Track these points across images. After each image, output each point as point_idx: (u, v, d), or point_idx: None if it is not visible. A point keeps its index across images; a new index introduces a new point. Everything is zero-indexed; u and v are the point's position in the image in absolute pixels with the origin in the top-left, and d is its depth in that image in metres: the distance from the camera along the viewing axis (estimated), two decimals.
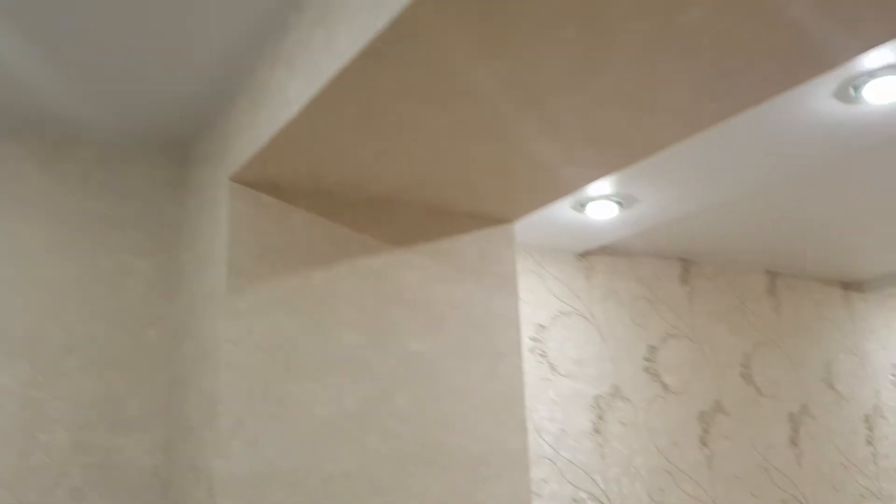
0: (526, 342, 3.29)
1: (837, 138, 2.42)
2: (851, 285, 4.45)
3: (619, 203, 2.85)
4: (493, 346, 2.23)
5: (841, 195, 3.15)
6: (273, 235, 2.08)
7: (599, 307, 3.50)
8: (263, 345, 1.99)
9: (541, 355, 3.30)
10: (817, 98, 2.16)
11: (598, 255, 3.57)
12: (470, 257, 2.33)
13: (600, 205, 2.86)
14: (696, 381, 3.65)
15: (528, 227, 3.09)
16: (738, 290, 3.97)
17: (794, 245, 3.79)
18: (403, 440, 2.08)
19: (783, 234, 3.62)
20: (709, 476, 3.54)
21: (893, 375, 4.41)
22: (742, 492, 3.61)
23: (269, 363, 1.99)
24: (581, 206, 2.89)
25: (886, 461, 4.17)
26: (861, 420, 4.17)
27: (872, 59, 1.97)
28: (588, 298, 3.48)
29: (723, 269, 3.95)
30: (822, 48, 1.57)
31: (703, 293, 3.83)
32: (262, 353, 1.99)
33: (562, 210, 2.95)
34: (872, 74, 2.05)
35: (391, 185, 2.16)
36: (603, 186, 2.72)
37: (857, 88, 2.10)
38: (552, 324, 3.37)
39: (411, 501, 2.04)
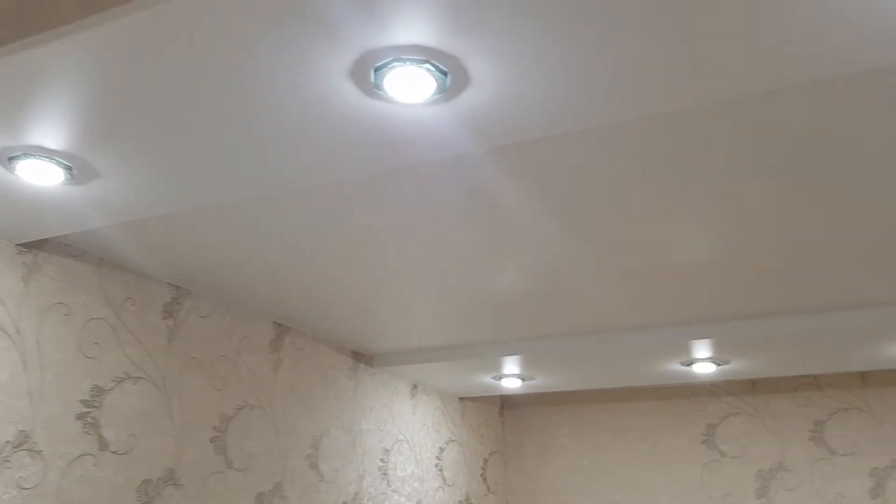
0: None
1: (353, 148, 1.91)
2: (362, 357, 4.12)
3: (68, 169, 2.01)
4: None
5: (359, 242, 2.71)
6: None
7: (33, 322, 2.54)
8: None
9: None
10: (329, 73, 1.61)
11: (51, 251, 2.64)
12: None
13: (37, 164, 1.98)
14: (149, 440, 2.86)
15: None
16: (236, 338, 3.33)
17: (306, 298, 3.29)
18: None
19: (296, 280, 3.09)
20: None
21: (382, 461, 4.12)
22: None
23: None
24: (8, 159, 1.98)
25: None
26: None
27: (400, 32, 1.48)
28: (18, 307, 2.51)
29: (224, 308, 3.28)
30: None
31: (190, 332, 3.11)
32: None
33: None
34: (401, 58, 1.56)
35: None
36: (30, 135, 1.86)
37: (378, 73, 1.60)
38: None
39: None
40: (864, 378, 4.29)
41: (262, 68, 1.57)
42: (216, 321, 3.24)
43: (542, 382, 4.52)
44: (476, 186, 2.25)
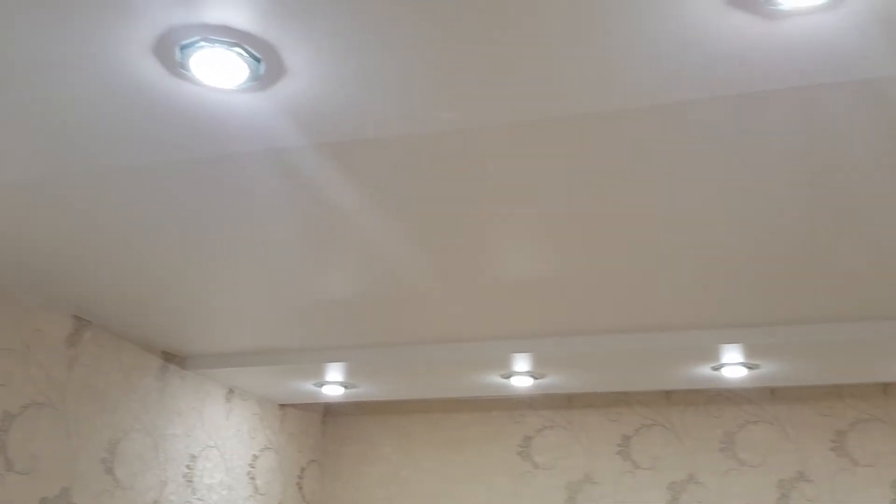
0: None
1: (158, 130, 1.76)
2: (174, 358, 3.88)
3: None
4: None
5: (173, 233, 2.53)
6: None
7: None
8: None
9: None
10: (128, 46, 1.47)
11: None
12: None
13: None
14: None
15: None
16: (27, 330, 3.03)
17: (112, 291, 3.05)
18: None
19: (101, 270, 2.85)
20: None
21: (188, 468, 3.90)
22: None
23: None
24: None
25: None
26: None
27: (209, 10, 1.37)
28: None
29: (13, 296, 2.97)
30: None
31: None
32: None
33: None
34: (209, 38, 1.45)
35: None
36: None
37: (184, 52, 1.48)
38: None
39: None
40: (669, 396, 4.54)
41: (45, 34, 1.40)
42: (3, 310, 2.93)
43: (365, 391, 4.45)
44: (304, 183, 2.13)
